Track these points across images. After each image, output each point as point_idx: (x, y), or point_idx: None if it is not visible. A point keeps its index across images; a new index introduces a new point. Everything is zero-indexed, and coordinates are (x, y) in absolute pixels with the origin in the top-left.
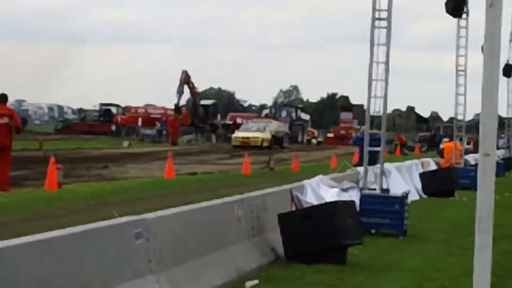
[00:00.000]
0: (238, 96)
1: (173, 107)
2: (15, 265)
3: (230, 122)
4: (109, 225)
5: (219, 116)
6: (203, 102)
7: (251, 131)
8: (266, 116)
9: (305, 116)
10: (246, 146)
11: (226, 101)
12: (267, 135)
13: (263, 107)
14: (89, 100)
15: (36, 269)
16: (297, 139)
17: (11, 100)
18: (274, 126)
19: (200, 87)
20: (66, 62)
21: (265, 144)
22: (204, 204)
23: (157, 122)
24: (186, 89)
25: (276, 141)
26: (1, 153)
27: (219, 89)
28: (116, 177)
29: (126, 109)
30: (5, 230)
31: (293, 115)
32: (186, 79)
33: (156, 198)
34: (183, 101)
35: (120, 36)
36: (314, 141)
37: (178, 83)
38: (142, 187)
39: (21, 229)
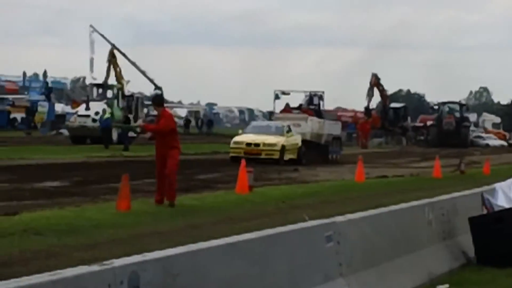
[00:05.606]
0: (428, 98)
1: (363, 110)
2: (205, 268)
3: (421, 125)
4: (299, 228)
5: (409, 119)
6: (393, 105)
7: (266, 134)
8: (300, 108)
9: (496, 119)
10: (253, 158)
11: (416, 104)
12: (292, 140)
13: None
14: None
15: (225, 272)
16: (466, 143)
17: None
18: (312, 125)
19: (390, 89)
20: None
21: (288, 155)
22: (394, 207)
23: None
24: (376, 91)
25: (316, 148)
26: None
27: (408, 91)
28: (306, 180)
29: None
30: (197, 233)
31: (457, 114)
32: (375, 82)
33: (346, 201)
34: (373, 104)
35: (309, 39)
36: (500, 143)
37: (368, 86)
38: (332, 190)
39: (212, 232)
